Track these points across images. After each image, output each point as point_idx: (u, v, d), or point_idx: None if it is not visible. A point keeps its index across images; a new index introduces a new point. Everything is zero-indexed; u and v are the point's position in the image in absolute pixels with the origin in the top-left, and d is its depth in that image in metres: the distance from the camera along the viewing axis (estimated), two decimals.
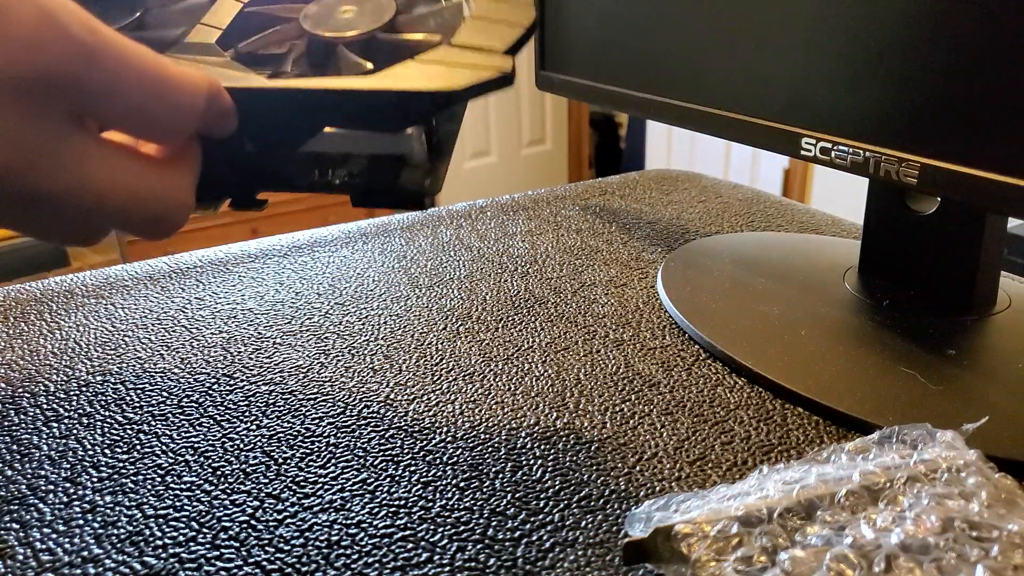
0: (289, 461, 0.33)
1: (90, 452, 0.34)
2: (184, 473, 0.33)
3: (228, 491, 0.32)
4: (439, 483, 0.32)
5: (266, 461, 0.33)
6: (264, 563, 0.28)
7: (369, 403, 0.38)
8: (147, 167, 0.25)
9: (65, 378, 0.40)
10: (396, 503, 0.31)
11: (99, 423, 0.36)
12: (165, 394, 0.39)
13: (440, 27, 0.31)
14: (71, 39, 0.22)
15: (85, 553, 0.29)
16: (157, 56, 0.24)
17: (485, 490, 0.32)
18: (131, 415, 0.37)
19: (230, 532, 0.29)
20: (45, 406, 0.38)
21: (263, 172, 0.30)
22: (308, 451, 0.34)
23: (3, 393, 0.39)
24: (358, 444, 0.35)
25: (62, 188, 0.23)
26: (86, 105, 0.23)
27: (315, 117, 0.29)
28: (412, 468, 0.33)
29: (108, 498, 0.31)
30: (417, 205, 0.31)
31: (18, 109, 0.21)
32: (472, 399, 0.38)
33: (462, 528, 0.30)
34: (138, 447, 0.35)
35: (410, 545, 0.29)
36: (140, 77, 0.23)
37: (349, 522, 0.30)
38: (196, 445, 0.35)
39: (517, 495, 0.31)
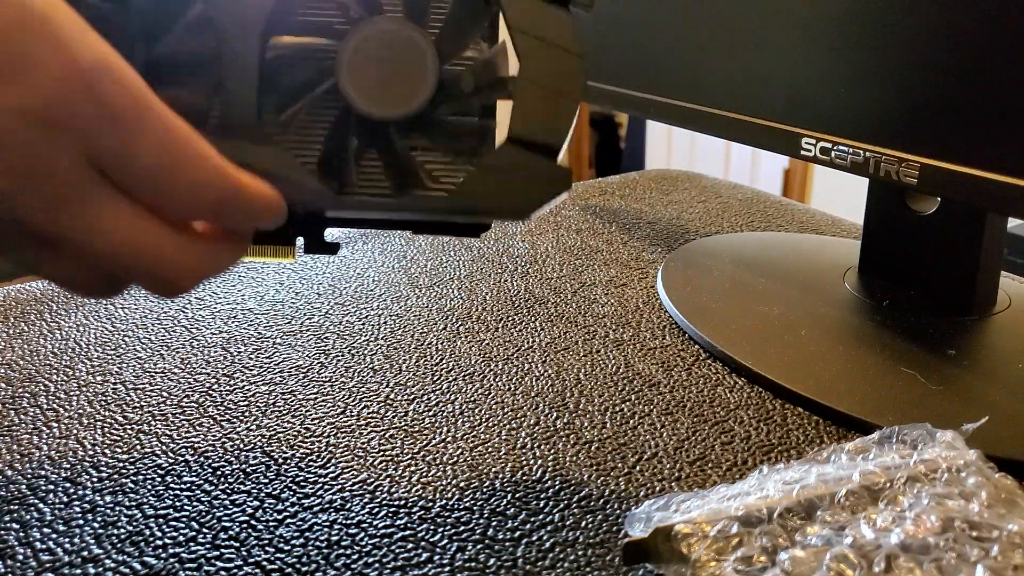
0: (289, 461, 0.33)
1: (90, 452, 0.34)
2: (184, 473, 0.33)
3: (228, 491, 0.32)
4: (439, 483, 0.32)
5: (266, 461, 0.33)
6: (264, 563, 0.28)
7: (369, 403, 0.38)
8: (168, 231, 0.24)
9: (65, 378, 0.40)
10: (396, 503, 0.31)
11: (99, 423, 0.36)
12: (165, 394, 0.39)
13: (484, 78, 0.28)
14: (98, 102, 0.21)
15: (85, 553, 0.29)
16: (188, 132, 0.23)
17: (485, 490, 0.32)
18: (131, 415, 0.37)
19: (230, 532, 0.30)
20: (45, 406, 0.38)
21: (332, 218, 0.30)
22: (308, 451, 0.34)
23: (3, 393, 0.39)
24: (358, 444, 0.35)
25: (74, 232, 0.22)
26: (99, 159, 0.22)
27: (393, 227, 0.30)
28: (412, 468, 0.33)
29: (108, 498, 0.31)
30: (475, 235, 0.31)
31: (29, 142, 0.21)
32: (472, 399, 0.38)
33: (462, 528, 0.30)
34: (138, 447, 0.35)
35: (410, 545, 0.29)
36: (160, 149, 0.23)
37: (349, 522, 0.30)
38: (196, 445, 0.35)
39: (517, 495, 0.31)
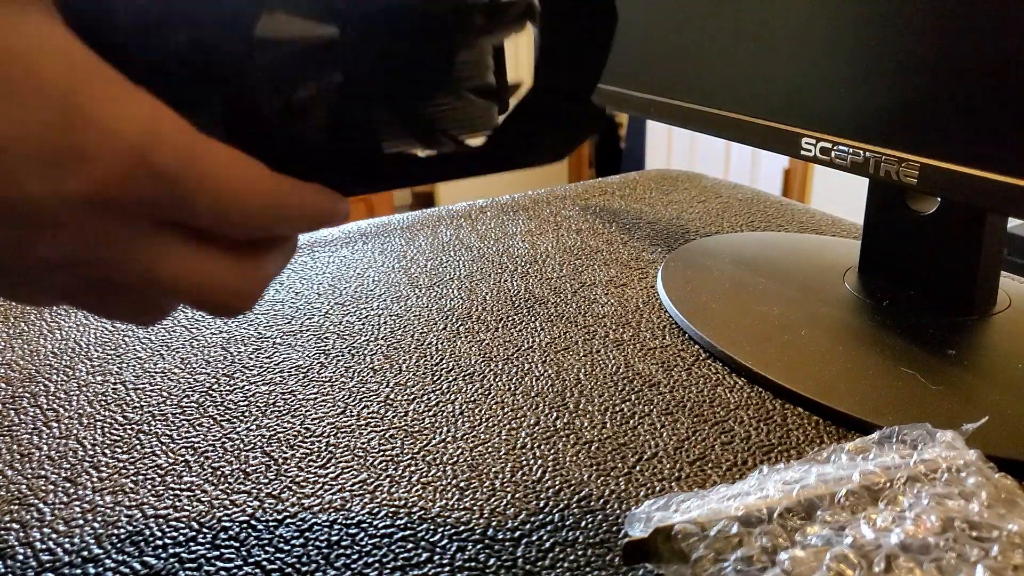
0: (289, 461, 0.33)
1: (90, 452, 0.34)
2: (184, 473, 0.33)
3: (228, 491, 0.32)
4: (439, 483, 0.32)
5: (266, 461, 0.33)
6: (264, 563, 0.28)
7: (369, 403, 0.38)
8: (220, 257, 0.24)
9: (65, 378, 0.40)
10: (396, 503, 0.31)
11: (99, 423, 0.36)
12: (165, 394, 0.39)
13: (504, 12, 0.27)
14: (153, 173, 0.21)
15: (85, 553, 0.29)
16: (242, 162, 0.23)
17: (485, 490, 0.32)
18: (131, 415, 0.37)
19: (230, 532, 0.29)
20: (45, 406, 0.38)
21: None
22: (308, 451, 0.34)
23: (3, 393, 0.39)
24: (358, 444, 0.35)
25: (133, 275, 0.23)
26: (160, 216, 0.22)
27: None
28: (412, 468, 0.33)
29: (108, 498, 0.31)
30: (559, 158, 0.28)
31: (95, 224, 0.21)
32: (472, 399, 0.38)
33: (462, 528, 0.30)
34: (138, 447, 0.35)
35: (410, 545, 0.29)
36: (217, 193, 0.22)
37: (349, 522, 0.30)
38: (196, 445, 0.35)
39: (517, 495, 0.31)
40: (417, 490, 0.32)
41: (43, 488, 0.32)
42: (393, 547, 0.29)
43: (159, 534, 0.29)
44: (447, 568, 0.28)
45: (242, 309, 0.25)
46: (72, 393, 0.39)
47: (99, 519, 0.30)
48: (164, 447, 0.35)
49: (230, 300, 0.25)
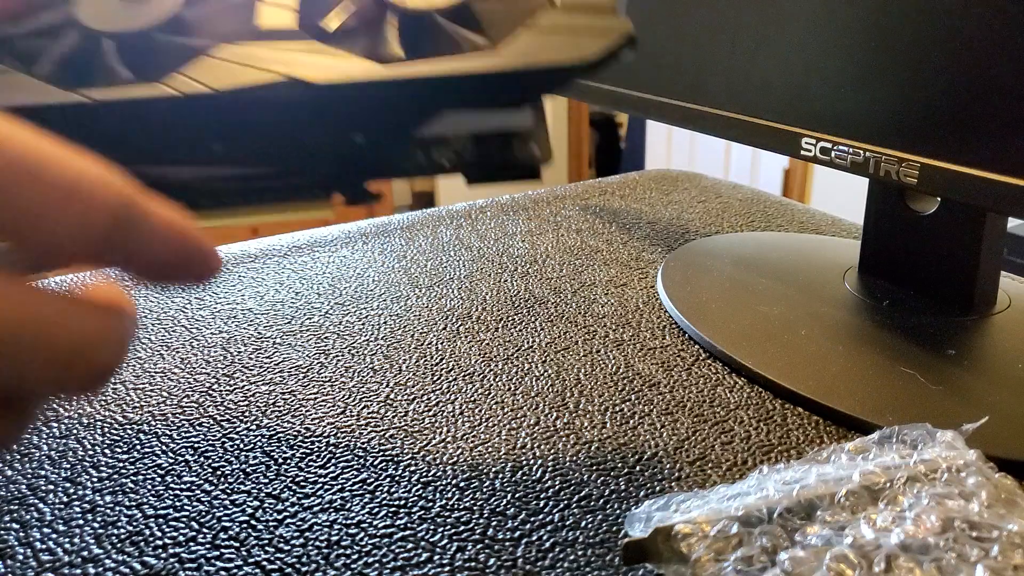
0: (289, 461, 0.33)
1: (90, 452, 0.34)
2: (184, 473, 0.33)
3: (228, 491, 0.32)
4: (439, 483, 0.32)
5: (266, 461, 0.33)
6: (264, 563, 0.28)
7: (369, 403, 0.38)
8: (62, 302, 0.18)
9: None
10: (396, 503, 0.31)
11: (99, 423, 0.36)
12: (165, 394, 0.39)
13: None
14: None
15: (85, 553, 0.29)
16: (38, 147, 0.18)
17: (485, 490, 0.32)
18: (131, 415, 0.37)
19: (230, 532, 0.29)
20: (45, 406, 0.38)
21: (372, 162, 0.28)
22: (308, 451, 0.34)
23: None
24: (358, 444, 0.35)
25: None
26: None
27: (436, 103, 0.27)
28: (412, 468, 0.33)
29: (108, 498, 0.31)
30: (532, 175, 0.29)
31: None
32: (472, 399, 0.38)
33: (462, 528, 0.30)
34: (138, 447, 0.35)
35: (410, 545, 0.29)
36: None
37: (349, 522, 0.30)
38: (196, 445, 0.35)
39: (517, 495, 0.31)
40: (417, 490, 0.32)
41: (43, 488, 0.32)
42: (393, 547, 0.29)
43: (159, 534, 0.29)
44: (447, 568, 0.28)
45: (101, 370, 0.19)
46: None
47: (99, 519, 0.30)
48: (164, 447, 0.35)
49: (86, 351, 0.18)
